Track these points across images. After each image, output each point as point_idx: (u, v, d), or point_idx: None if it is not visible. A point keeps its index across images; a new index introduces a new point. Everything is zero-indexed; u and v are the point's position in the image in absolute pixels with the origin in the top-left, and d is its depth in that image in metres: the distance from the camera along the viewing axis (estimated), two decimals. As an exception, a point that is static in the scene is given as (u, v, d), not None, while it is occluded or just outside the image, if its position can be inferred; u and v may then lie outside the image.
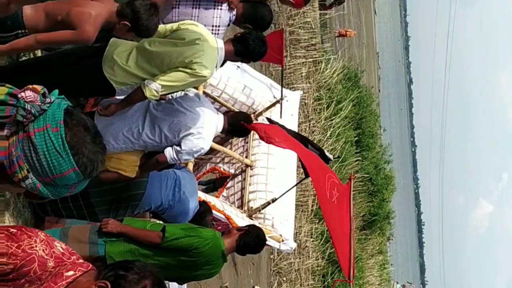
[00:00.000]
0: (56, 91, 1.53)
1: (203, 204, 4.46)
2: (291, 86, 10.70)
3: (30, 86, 1.49)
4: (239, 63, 5.10)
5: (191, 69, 3.46)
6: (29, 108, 1.43)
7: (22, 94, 1.46)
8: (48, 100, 1.48)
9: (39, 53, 4.31)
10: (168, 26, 3.68)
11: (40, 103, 1.46)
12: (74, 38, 2.97)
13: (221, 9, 4.10)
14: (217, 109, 4.49)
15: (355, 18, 27.75)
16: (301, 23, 12.10)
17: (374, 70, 36.92)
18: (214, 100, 4.97)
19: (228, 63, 4.04)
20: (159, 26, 3.78)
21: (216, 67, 3.67)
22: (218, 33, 4.08)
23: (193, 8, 4.07)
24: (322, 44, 14.21)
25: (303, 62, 12.03)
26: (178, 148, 3.70)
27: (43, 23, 2.96)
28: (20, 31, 3.00)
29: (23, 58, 3.97)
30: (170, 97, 4.00)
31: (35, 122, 1.44)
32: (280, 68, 6.27)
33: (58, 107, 1.47)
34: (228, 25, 4.26)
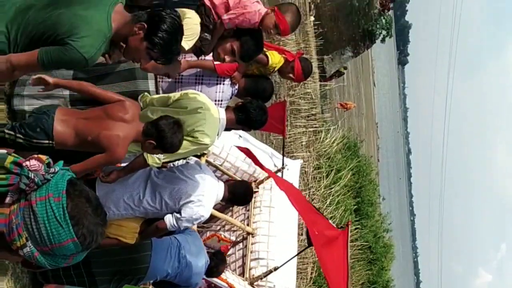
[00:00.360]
0: (61, 162, 1.56)
1: (216, 254, 4.42)
2: (292, 154, 10.78)
3: (35, 156, 1.51)
4: (241, 132, 5.17)
5: (193, 137, 3.51)
6: (32, 177, 1.45)
7: (27, 163, 1.48)
8: (52, 170, 1.50)
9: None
10: (171, 95, 3.75)
11: (44, 173, 1.47)
12: (106, 161, 3.10)
13: (223, 84, 4.19)
14: (219, 177, 4.52)
15: (354, 90, 28.30)
16: (301, 94, 12.36)
17: (373, 140, 37.25)
18: (216, 168, 5.01)
19: (231, 132, 4.10)
20: (162, 94, 3.88)
21: (218, 135, 3.73)
22: (220, 107, 4.17)
23: (196, 84, 4.15)
24: (322, 114, 14.44)
25: (303, 132, 12.18)
26: (178, 215, 3.70)
27: (72, 140, 3.08)
28: (47, 142, 3.12)
29: None
30: (172, 165, 4.04)
31: (37, 191, 1.45)
32: (281, 137, 6.35)
33: (62, 178, 1.49)
34: (230, 98, 4.34)
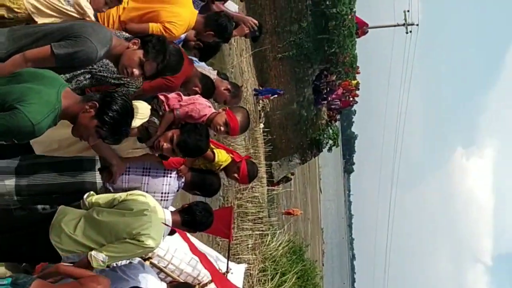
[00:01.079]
0: (10, 279, 1.60)
1: None
2: (237, 256, 10.73)
3: None
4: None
5: (138, 240, 3.52)
6: None
7: None
8: None
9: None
10: (117, 195, 3.77)
11: None
12: None
13: (170, 176, 4.20)
14: (163, 279, 4.48)
15: (301, 195, 28.75)
16: (249, 197, 12.53)
17: (318, 245, 37.33)
18: (161, 270, 4.97)
19: (176, 235, 4.13)
20: (108, 195, 3.90)
21: (163, 237, 3.77)
22: (167, 200, 4.18)
23: (143, 175, 4.14)
24: (269, 218, 14.58)
25: (249, 234, 12.22)
26: (118, 315, 3.63)
27: None
28: None
29: None
30: (115, 265, 4.00)
31: None
32: (227, 240, 6.36)
33: None
34: (177, 190, 4.35)
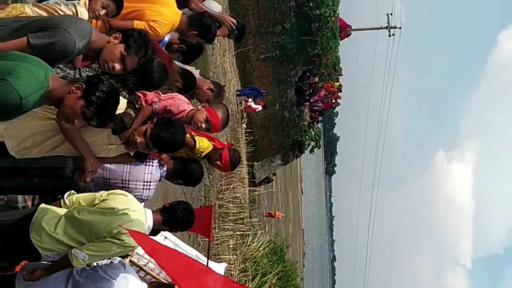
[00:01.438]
0: None
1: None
2: (218, 256, 10.75)
3: None
4: (166, 233, 5.18)
5: (119, 239, 3.52)
6: None
7: None
8: None
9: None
10: (98, 194, 3.75)
11: None
12: None
13: (152, 165, 4.17)
14: (142, 278, 4.48)
15: (283, 196, 28.84)
16: (230, 198, 12.55)
17: (299, 246, 37.46)
18: (140, 268, 4.96)
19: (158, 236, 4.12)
20: (89, 194, 3.87)
21: (144, 236, 3.76)
22: (149, 189, 4.17)
23: (124, 164, 4.10)
24: (250, 218, 14.61)
25: (230, 235, 12.23)
26: (98, 314, 3.63)
27: None
28: None
29: None
30: (95, 264, 3.99)
31: None
32: (207, 239, 6.37)
33: None
34: (159, 180, 4.32)
